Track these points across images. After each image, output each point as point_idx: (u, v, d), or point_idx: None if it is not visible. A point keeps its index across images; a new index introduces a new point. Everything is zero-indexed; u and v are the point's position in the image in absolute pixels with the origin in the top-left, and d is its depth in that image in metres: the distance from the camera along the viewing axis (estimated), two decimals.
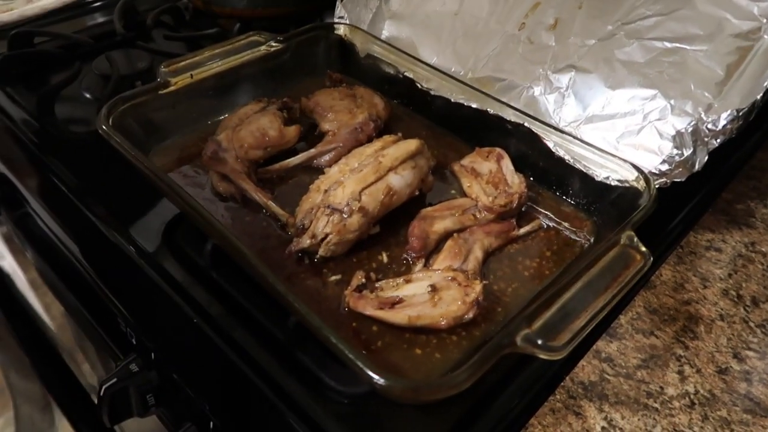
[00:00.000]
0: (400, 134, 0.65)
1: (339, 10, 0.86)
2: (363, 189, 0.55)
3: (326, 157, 0.66)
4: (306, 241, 0.54)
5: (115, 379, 0.57)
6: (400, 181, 0.57)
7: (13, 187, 0.85)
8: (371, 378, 0.40)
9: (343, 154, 0.65)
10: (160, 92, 0.67)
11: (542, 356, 0.42)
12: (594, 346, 0.55)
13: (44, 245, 0.85)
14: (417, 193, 0.60)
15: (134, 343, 0.62)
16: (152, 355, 0.59)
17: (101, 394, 0.57)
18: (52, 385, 0.98)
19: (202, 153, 0.65)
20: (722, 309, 0.60)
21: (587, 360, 0.54)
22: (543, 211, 0.64)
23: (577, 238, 0.61)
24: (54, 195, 0.74)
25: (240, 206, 0.62)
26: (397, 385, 0.40)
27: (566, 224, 0.62)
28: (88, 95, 0.85)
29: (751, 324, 0.58)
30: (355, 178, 0.56)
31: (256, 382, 0.50)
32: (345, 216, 0.54)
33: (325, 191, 0.56)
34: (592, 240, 0.60)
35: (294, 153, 0.67)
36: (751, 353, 0.56)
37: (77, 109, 0.83)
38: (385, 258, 0.57)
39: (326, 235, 0.54)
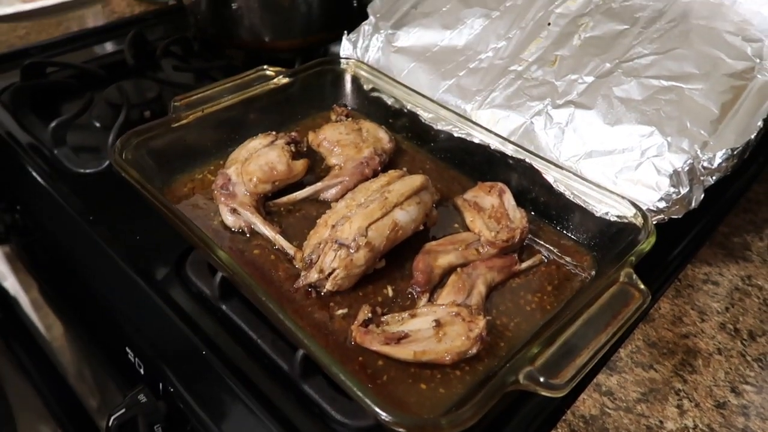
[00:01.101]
0: (405, 169, 0.66)
1: (345, 44, 0.88)
2: (369, 224, 0.57)
3: (333, 191, 0.68)
4: (314, 276, 0.55)
5: (123, 410, 0.58)
6: (406, 216, 0.59)
7: (24, 214, 0.87)
8: (379, 415, 0.41)
9: (349, 187, 0.66)
10: (172, 126, 0.69)
11: (544, 393, 0.44)
12: (594, 380, 0.57)
13: (53, 272, 0.87)
14: (422, 227, 0.62)
15: (142, 373, 0.63)
16: (160, 385, 0.60)
17: (109, 424, 0.58)
18: (55, 407, 0.98)
19: (212, 185, 0.67)
20: (720, 343, 0.61)
21: (588, 393, 0.55)
22: (544, 244, 0.65)
23: (578, 273, 0.62)
24: (64, 223, 0.75)
25: (248, 238, 0.63)
26: (405, 422, 0.42)
27: (567, 258, 0.64)
28: (98, 124, 0.87)
29: (748, 358, 0.60)
30: (361, 213, 0.57)
31: (263, 414, 0.52)
32: (352, 251, 0.55)
33: (333, 226, 0.57)
34: (592, 274, 0.62)
35: (301, 186, 0.69)
36: (748, 387, 0.57)
37: (88, 138, 0.85)
38: (390, 292, 0.58)
39: (333, 270, 0.55)
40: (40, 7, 0.78)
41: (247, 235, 0.63)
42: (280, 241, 0.61)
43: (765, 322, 0.63)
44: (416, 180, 0.62)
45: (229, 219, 0.64)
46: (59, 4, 0.78)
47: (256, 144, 0.69)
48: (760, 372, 0.58)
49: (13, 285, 1.09)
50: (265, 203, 0.67)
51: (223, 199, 0.64)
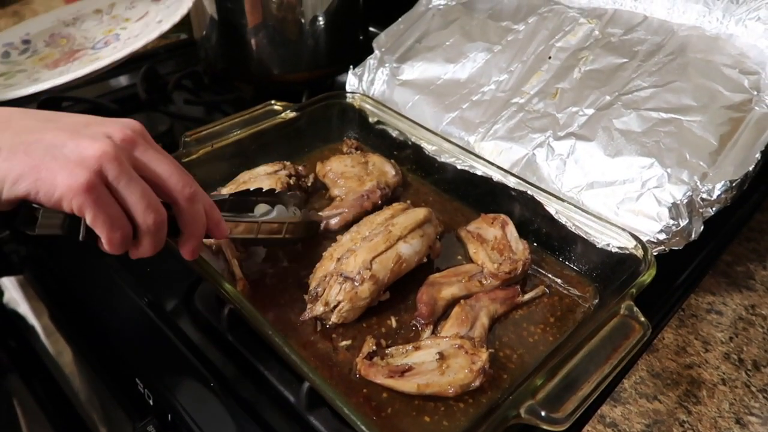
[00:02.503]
0: (408, 202, 0.68)
1: (350, 78, 0.91)
2: (374, 258, 0.58)
3: (333, 221, 0.70)
4: (319, 308, 0.56)
5: None
6: (409, 249, 0.60)
7: (38, 245, 0.89)
8: None
9: (348, 219, 0.68)
10: (182, 161, 0.71)
11: (546, 427, 0.44)
12: (599, 411, 0.57)
13: (63, 300, 0.88)
14: (425, 260, 0.63)
15: (151, 404, 0.64)
16: (169, 416, 0.61)
17: None
18: None
19: None
20: (724, 373, 0.61)
21: (592, 425, 0.56)
22: (547, 274, 0.66)
23: (580, 303, 0.63)
24: (77, 254, 0.77)
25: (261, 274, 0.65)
26: None
27: (569, 289, 0.64)
28: None
29: (753, 389, 0.60)
30: (366, 246, 0.59)
31: None
32: (357, 284, 0.56)
33: (338, 259, 0.58)
34: (594, 305, 0.62)
35: None
36: (753, 419, 0.57)
37: None
38: (394, 323, 0.59)
39: (338, 303, 0.56)
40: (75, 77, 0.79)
41: (214, 253, 0.66)
42: (234, 266, 0.63)
43: None
44: (419, 213, 0.63)
45: None
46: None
47: (260, 170, 0.71)
48: (765, 403, 0.58)
49: (25, 311, 1.11)
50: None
51: None
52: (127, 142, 0.46)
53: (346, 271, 0.57)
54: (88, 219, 0.43)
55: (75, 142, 0.43)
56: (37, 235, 0.44)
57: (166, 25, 0.84)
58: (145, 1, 1.00)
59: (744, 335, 0.65)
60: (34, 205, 0.43)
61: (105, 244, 0.45)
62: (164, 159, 0.48)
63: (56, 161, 0.42)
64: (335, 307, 0.56)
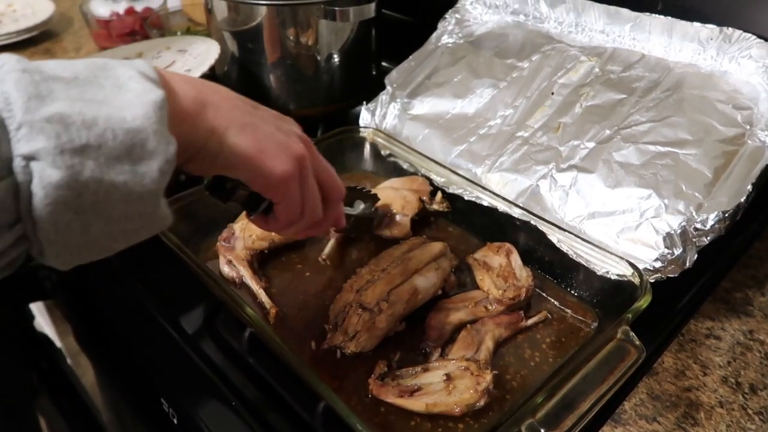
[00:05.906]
0: (425, 237, 0.72)
1: (363, 114, 0.96)
2: (391, 290, 0.61)
3: None
4: (339, 338, 0.60)
5: None
6: (425, 282, 0.64)
7: (69, 270, 0.93)
8: None
9: None
10: (205, 193, 0.76)
11: None
12: None
13: (90, 323, 0.93)
14: (440, 291, 0.67)
15: (176, 422, 0.68)
16: None
17: None
18: None
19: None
20: (722, 396, 0.63)
21: None
22: (549, 300, 0.70)
23: (581, 328, 0.66)
24: (104, 280, 0.81)
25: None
26: None
27: (570, 314, 0.68)
28: None
29: (750, 411, 0.62)
30: (384, 279, 0.62)
31: None
32: (375, 314, 0.60)
33: (357, 291, 0.62)
34: (594, 329, 0.66)
35: (300, 246, 0.76)
36: None
37: None
38: (405, 347, 0.63)
39: (357, 332, 0.60)
40: None
41: (238, 287, 0.70)
42: (262, 295, 0.66)
43: (766, 376, 0.66)
44: (435, 247, 0.67)
45: (225, 269, 0.70)
46: None
47: None
48: (761, 425, 0.60)
49: (51, 333, 1.15)
50: (260, 259, 0.73)
51: (222, 250, 0.70)
52: (309, 149, 0.51)
53: (365, 302, 0.61)
54: (280, 205, 0.50)
55: (284, 136, 0.48)
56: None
57: (195, 74, 0.90)
58: (172, 52, 1.06)
59: (742, 360, 0.68)
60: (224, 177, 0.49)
61: (277, 223, 0.52)
62: (325, 167, 0.54)
63: (276, 148, 0.46)
64: (354, 336, 0.60)
